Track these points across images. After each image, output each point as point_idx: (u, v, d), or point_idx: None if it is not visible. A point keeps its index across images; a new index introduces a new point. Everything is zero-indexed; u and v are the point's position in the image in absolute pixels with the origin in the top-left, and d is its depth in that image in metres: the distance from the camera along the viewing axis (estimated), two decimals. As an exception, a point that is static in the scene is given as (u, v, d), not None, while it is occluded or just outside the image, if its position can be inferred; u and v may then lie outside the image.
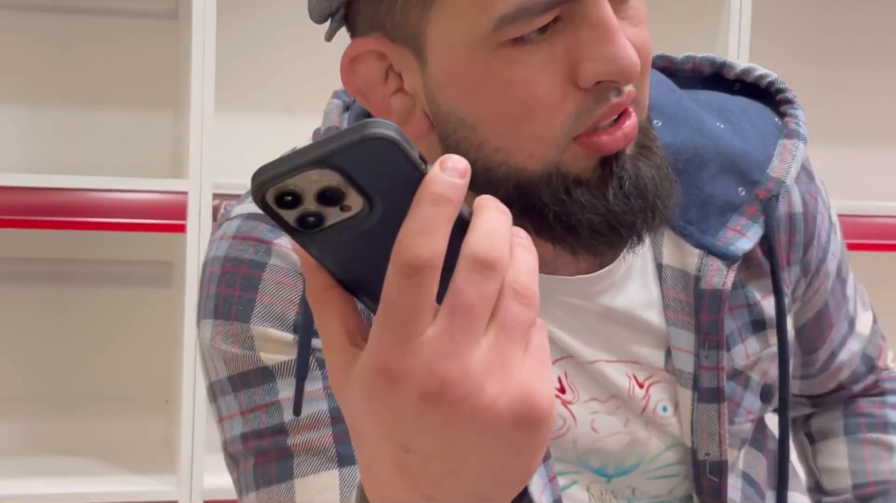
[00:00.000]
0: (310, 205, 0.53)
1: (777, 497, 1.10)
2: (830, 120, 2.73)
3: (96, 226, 2.10)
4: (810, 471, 1.26)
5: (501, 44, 0.84)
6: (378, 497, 0.59)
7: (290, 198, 0.53)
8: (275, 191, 0.53)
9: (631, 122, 0.88)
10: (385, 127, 0.53)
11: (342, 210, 0.54)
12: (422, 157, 0.54)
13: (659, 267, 1.03)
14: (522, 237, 0.57)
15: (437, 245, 0.53)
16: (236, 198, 2.12)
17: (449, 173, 0.54)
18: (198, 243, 2.08)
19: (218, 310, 0.98)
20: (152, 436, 2.42)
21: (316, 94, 2.42)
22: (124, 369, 2.48)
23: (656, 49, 0.98)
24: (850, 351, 1.20)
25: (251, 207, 1.00)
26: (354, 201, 0.54)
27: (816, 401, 1.26)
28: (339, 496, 0.93)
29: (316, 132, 1.04)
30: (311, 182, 0.53)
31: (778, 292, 1.04)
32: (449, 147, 0.90)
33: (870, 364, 1.24)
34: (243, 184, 2.10)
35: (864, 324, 1.22)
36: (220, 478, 2.09)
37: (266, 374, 0.96)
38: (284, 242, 0.97)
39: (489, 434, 0.55)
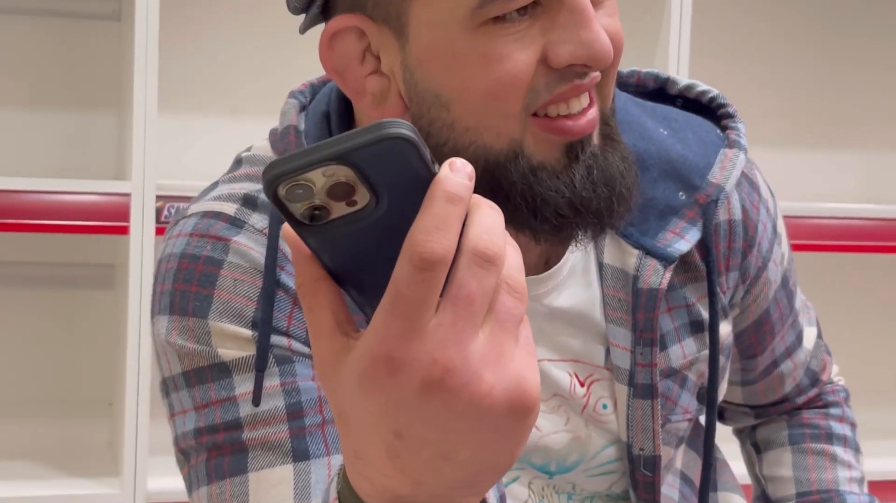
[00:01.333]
0: (318, 198, 0.55)
1: (699, 498, 1.12)
2: (768, 122, 2.77)
3: (38, 227, 2.08)
4: (757, 480, 1.28)
5: (483, 22, 0.88)
6: (364, 482, 0.61)
7: (300, 191, 0.55)
8: (288, 184, 0.55)
9: (594, 111, 0.93)
10: (403, 127, 0.55)
11: (348, 205, 0.56)
12: (432, 158, 0.57)
13: (600, 266, 1.05)
14: (508, 235, 0.59)
15: (451, 241, 0.55)
16: (180, 199, 2.11)
17: (459, 174, 0.56)
18: (141, 245, 2.07)
19: (174, 305, 0.98)
20: (95, 439, 2.40)
21: (260, 96, 2.42)
22: (67, 372, 2.46)
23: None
24: (794, 362, 1.22)
25: (207, 205, 1.01)
26: (362, 197, 0.56)
27: (760, 412, 1.28)
28: (293, 491, 0.94)
29: (273, 132, 1.05)
30: (324, 177, 0.55)
31: (712, 294, 1.06)
32: (422, 128, 0.93)
33: (813, 377, 1.26)
34: (187, 185, 2.10)
35: (808, 338, 1.25)
36: (164, 482, 2.09)
37: (222, 370, 0.96)
38: (242, 240, 0.98)
39: (484, 420, 0.57)
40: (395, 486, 0.59)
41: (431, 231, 0.55)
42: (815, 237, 2.43)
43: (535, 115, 0.91)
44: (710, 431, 1.10)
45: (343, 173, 0.55)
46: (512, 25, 0.88)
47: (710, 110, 1.12)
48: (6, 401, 2.43)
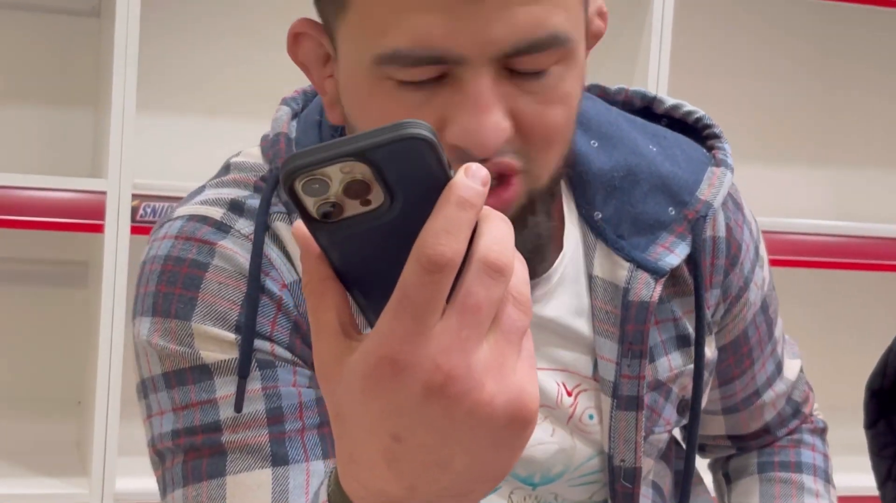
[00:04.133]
0: (334, 195, 0.56)
1: None
2: (742, 138, 2.78)
3: (12, 223, 2.07)
4: None
5: (386, 76, 0.88)
6: (357, 486, 0.61)
7: (316, 185, 0.55)
8: (305, 177, 0.55)
9: (509, 194, 0.91)
10: (423, 128, 0.55)
11: (362, 203, 0.56)
12: (448, 161, 0.57)
13: (590, 277, 1.06)
14: (515, 249, 0.59)
15: (460, 246, 0.56)
16: (156, 198, 2.10)
17: (473, 180, 0.56)
18: (115, 243, 2.06)
19: (157, 307, 0.98)
20: (64, 438, 2.39)
21: (240, 98, 2.42)
22: (37, 369, 2.44)
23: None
24: (776, 392, 1.23)
25: (194, 209, 1.01)
26: (376, 196, 0.56)
27: (742, 447, 1.28)
28: (271, 496, 0.94)
29: (264, 138, 1.05)
30: (342, 173, 0.55)
31: (699, 308, 1.08)
32: None
33: (795, 408, 1.27)
34: (163, 184, 2.09)
35: (791, 369, 1.25)
36: (132, 482, 2.08)
37: (204, 372, 0.96)
38: (228, 244, 0.98)
39: (483, 430, 0.57)
40: (389, 491, 0.59)
41: (441, 234, 0.55)
42: (787, 253, 2.45)
43: None
44: (690, 445, 1.11)
45: (360, 171, 0.55)
46: (412, 89, 0.88)
47: (695, 131, 1.14)
48: (-26, 398, 2.42)
